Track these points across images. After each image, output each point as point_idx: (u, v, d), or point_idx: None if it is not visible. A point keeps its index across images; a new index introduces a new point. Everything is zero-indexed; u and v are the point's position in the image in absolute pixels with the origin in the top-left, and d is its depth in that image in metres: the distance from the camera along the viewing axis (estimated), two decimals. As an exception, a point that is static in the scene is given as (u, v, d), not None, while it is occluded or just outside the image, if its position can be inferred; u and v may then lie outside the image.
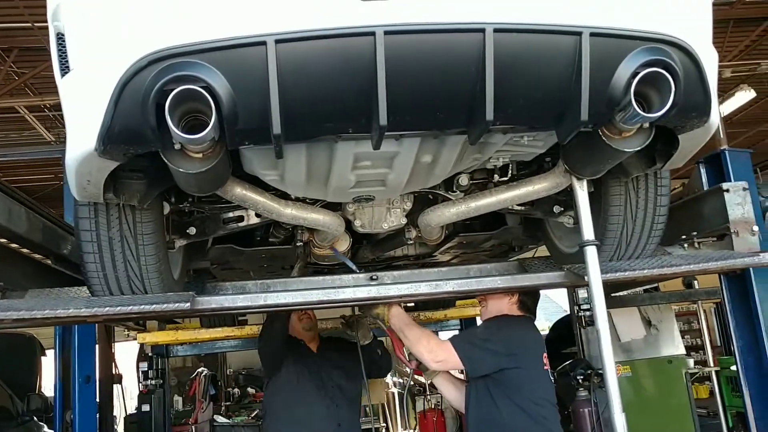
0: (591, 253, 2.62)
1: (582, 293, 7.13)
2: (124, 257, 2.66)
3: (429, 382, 3.62)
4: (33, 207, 3.89)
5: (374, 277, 3.27)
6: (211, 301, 2.82)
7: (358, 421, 4.64)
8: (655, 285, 8.96)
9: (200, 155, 2.10)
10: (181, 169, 2.10)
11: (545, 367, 3.27)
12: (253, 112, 1.95)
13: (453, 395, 3.60)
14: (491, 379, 3.14)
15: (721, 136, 5.11)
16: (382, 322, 3.43)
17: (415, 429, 10.62)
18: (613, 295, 8.15)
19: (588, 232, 2.64)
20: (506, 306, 3.35)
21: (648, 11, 2.15)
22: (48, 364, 8.41)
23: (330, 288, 2.97)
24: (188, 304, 2.62)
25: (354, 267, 3.38)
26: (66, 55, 2.13)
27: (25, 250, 4.24)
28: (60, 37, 2.18)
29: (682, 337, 12.66)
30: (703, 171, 3.79)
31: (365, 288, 2.97)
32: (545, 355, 3.30)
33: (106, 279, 2.70)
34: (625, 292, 8.30)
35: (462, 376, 3.68)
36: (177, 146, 2.06)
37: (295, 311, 4.14)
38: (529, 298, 3.39)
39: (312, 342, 4.44)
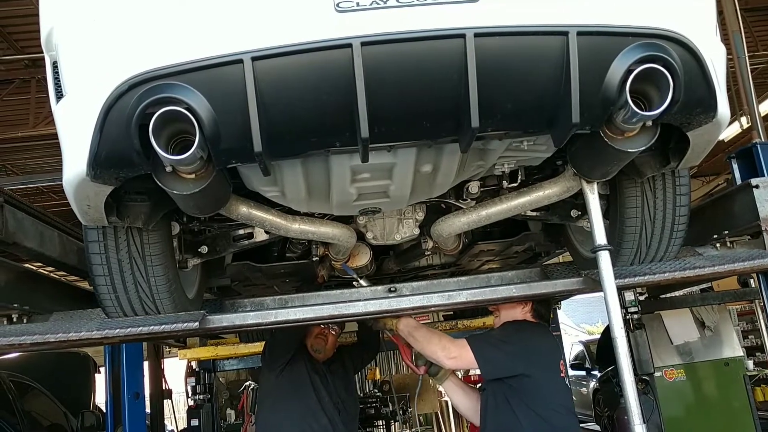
0: (604, 259, 2.52)
1: (628, 295, 6.91)
2: (134, 279, 2.69)
3: (439, 386, 3.55)
4: (67, 230, 4.00)
5: (393, 289, 3.24)
6: (222, 320, 2.83)
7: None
8: (709, 285, 8.67)
9: (192, 176, 2.09)
10: (175, 191, 2.10)
11: (561, 375, 3.18)
12: (234, 130, 1.94)
13: (462, 401, 3.54)
14: (507, 386, 3.07)
15: (759, 128, 4.91)
16: (391, 331, 3.39)
17: (467, 437, 10.51)
18: (662, 296, 7.92)
19: (600, 236, 2.54)
20: (520, 314, 3.27)
21: (643, 6, 2.06)
22: (102, 381, 8.66)
23: (340, 302, 2.93)
24: (197, 324, 2.63)
25: (362, 281, 3.35)
26: (60, 82, 2.17)
27: (53, 274, 4.38)
28: (55, 65, 2.22)
29: (745, 337, 12.25)
30: (735, 166, 3.63)
31: (377, 301, 2.93)
32: (562, 362, 3.21)
33: (119, 300, 2.73)
34: (676, 293, 8.04)
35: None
36: (168, 168, 2.05)
37: (315, 326, 4.11)
38: (542, 307, 3.30)
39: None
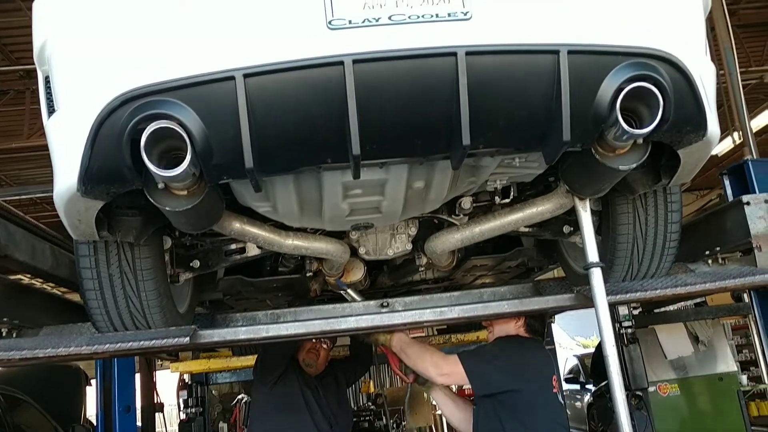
0: (596, 276, 2.52)
1: (622, 310, 6.90)
2: (124, 293, 2.67)
3: (431, 396, 3.55)
4: (59, 242, 3.98)
5: (385, 304, 3.23)
6: (213, 335, 2.81)
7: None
8: (703, 299, 8.69)
9: (185, 192, 2.09)
10: (167, 208, 2.09)
11: (554, 390, 3.17)
12: (226, 146, 1.94)
13: (453, 413, 3.53)
14: (498, 402, 3.07)
15: (751, 145, 4.94)
16: (384, 346, 3.38)
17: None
18: (656, 311, 7.93)
19: (592, 253, 2.54)
20: (513, 329, 3.28)
21: (633, 25, 2.07)
22: (93, 394, 8.60)
23: (332, 317, 2.93)
24: (187, 339, 2.62)
25: (356, 297, 3.34)
26: (52, 97, 2.17)
27: (47, 287, 4.36)
28: (47, 80, 2.22)
29: (740, 352, 12.24)
30: (727, 183, 3.65)
31: (369, 316, 2.92)
32: (555, 377, 3.21)
33: (109, 315, 2.72)
34: (670, 307, 8.05)
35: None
36: (161, 185, 2.04)
37: (306, 341, 4.10)
38: (536, 321, 3.31)
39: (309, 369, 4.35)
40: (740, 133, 6.30)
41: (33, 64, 2.27)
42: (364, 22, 1.91)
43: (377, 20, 1.91)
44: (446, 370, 3.16)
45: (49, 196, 2.29)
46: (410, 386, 3.72)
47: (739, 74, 5.90)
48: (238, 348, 6.12)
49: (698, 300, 8.60)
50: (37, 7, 2.20)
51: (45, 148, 2.26)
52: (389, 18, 1.91)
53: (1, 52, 8.55)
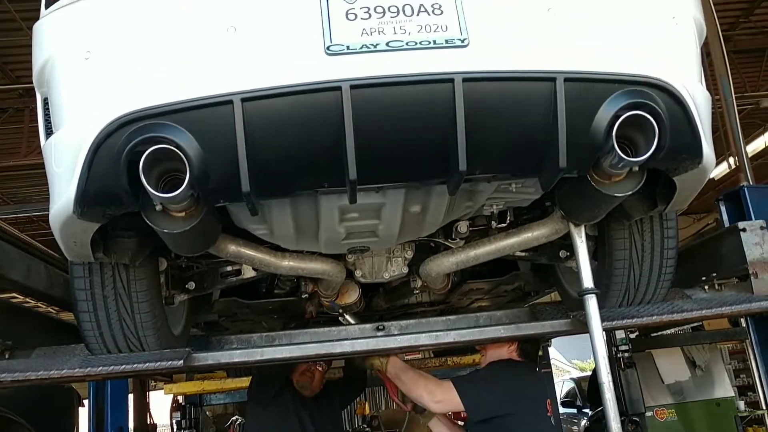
0: (591, 303, 2.52)
1: (619, 334, 6.87)
2: (119, 315, 2.65)
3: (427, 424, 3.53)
4: (53, 262, 3.96)
5: (380, 327, 3.22)
6: (207, 357, 2.79)
7: None
8: (700, 323, 8.64)
9: (183, 214, 2.08)
10: (165, 230, 2.09)
11: (548, 414, 3.16)
12: (223, 170, 1.94)
13: None
14: (492, 426, 3.06)
15: (747, 171, 4.97)
16: (379, 371, 3.37)
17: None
18: (653, 335, 7.88)
19: (587, 280, 2.54)
20: (506, 353, 3.27)
21: (630, 53, 2.09)
22: (85, 415, 8.50)
23: (327, 341, 2.91)
24: (181, 362, 2.60)
25: (350, 319, 3.33)
26: (50, 119, 2.18)
27: (40, 306, 4.34)
28: (46, 102, 2.22)
29: (737, 377, 12.16)
30: (723, 209, 3.66)
31: (365, 340, 2.91)
32: (549, 401, 3.20)
33: (102, 337, 2.69)
34: (668, 331, 8.00)
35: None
36: (158, 207, 2.04)
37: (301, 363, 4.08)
38: (530, 345, 3.31)
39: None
40: (736, 158, 6.33)
41: (32, 82, 2.28)
42: (362, 48, 1.92)
43: (375, 46, 1.93)
44: (440, 397, 3.15)
45: (46, 214, 2.29)
46: (408, 414, 3.70)
47: (734, 100, 5.94)
48: (233, 369, 6.08)
49: (695, 324, 8.57)
50: (38, 29, 2.22)
51: (43, 166, 2.26)
52: (387, 44, 1.93)
53: (1, 70, 8.59)
